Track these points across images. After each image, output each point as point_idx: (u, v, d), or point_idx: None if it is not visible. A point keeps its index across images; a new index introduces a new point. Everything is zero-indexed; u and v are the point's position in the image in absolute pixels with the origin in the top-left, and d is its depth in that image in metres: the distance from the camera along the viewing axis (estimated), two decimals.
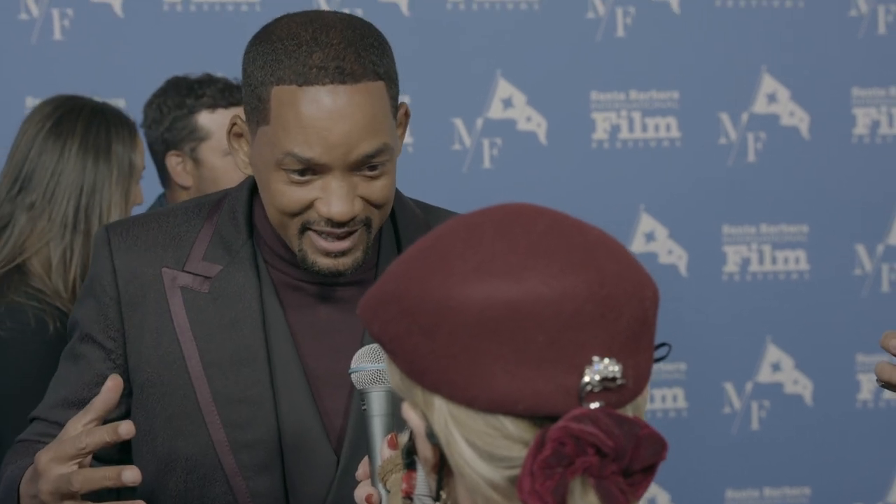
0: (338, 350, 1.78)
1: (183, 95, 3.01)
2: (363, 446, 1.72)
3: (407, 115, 1.78)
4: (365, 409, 1.48)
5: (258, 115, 1.69)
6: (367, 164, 1.68)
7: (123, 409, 1.83)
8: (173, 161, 3.01)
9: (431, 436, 1.06)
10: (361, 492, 1.41)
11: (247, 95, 1.71)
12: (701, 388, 3.82)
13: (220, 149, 2.97)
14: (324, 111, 1.64)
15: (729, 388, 3.85)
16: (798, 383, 3.86)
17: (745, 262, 3.85)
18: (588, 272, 1.03)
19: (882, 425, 3.85)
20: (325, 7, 3.60)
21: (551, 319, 1.01)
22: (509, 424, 1.02)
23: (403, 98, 3.71)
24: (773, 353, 3.85)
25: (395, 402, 1.48)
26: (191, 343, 1.77)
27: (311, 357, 1.79)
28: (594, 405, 1.01)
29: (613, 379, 1.02)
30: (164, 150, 3.03)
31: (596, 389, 1.01)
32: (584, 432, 0.98)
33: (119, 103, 3.18)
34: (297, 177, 1.67)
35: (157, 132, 3.03)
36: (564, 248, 1.04)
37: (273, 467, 1.76)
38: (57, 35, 3.50)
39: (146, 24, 3.54)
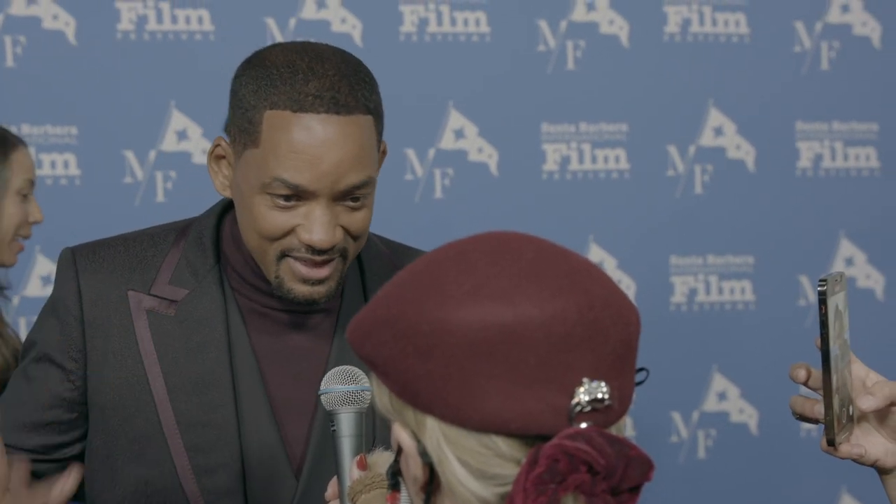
0: (302, 377, 1.79)
1: None
2: (321, 473, 1.74)
3: (384, 152, 1.80)
4: (334, 430, 1.50)
5: (247, 137, 1.70)
6: (351, 195, 1.70)
7: (78, 434, 1.83)
8: None
9: (424, 455, 1.08)
10: None
11: (236, 118, 1.72)
12: (648, 416, 3.85)
13: None
14: (316, 139, 1.66)
15: (676, 416, 3.88)
16: (744, 412, 3.90)
17: (692, 293, 3.89)
18: (577, 296, 1.05)
19: (826, 455, 3.89)
20: (278, 38, 3.62)
21: (542, 341, 1.03)
22: (501, 443, 1.05)
23: None
24: (719, 382, 3.90)
25: (363, 424, 1.51)
26: (155, 366, 1.77)
27: (275, 383, 1.79)
28: (583, 425, 1.04)
29: (602, 400, 1.04)
30: None
31: (585, 410, 1.04)
32: (578, 450, 1.01)
33: (71, 131, 3.18)
34: (282, 202, 1.69)
35: None
36: (553, 274, 1.07)
37: (235, 492, 1.77)
38: (9, 62, 3.49)
39: (99, 52, 3.53)
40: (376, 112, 1.72)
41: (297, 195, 1.68)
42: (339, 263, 1.74)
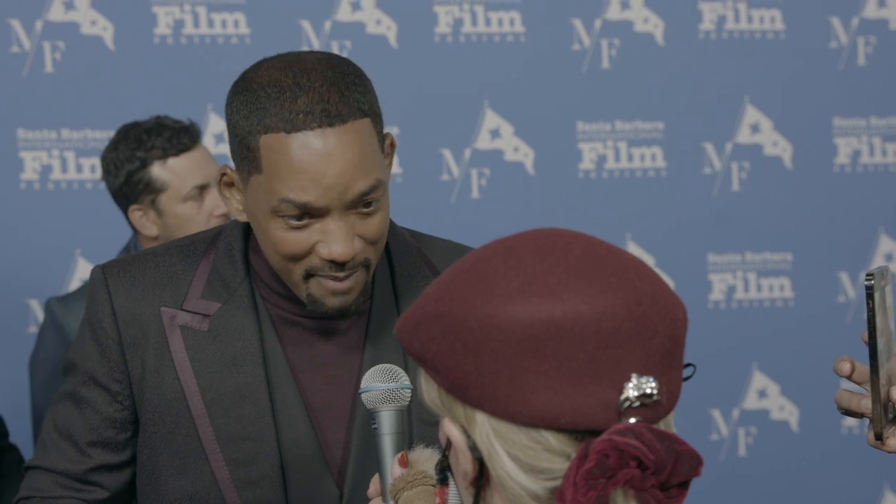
0: (336, 382, 1.79)
1: (133, 149, 2.98)
2: (365, 478, 1.74)
3: (393, 145, 1.78)
4: (375, 428, 1.51)
5: (249, 164, 1.69)
6: (362, 202, 1.69)
7: (131, 453, 1.84)
8: (136, 215, 3.00)
9: (474, 449, 1.09)
10: None
11: (234, 145, 1.71)
12: (688, 415, 3.85)
13: (178, 196, 2.96)
14: (315, 155, 1.64)
15: (716, 414, 3.88)
16: (784, 409, 3.89)
17: (731, 290, 3.88)
18: (625, 292, 1.06)
19: (867, 452, 3.87)
20: (314, 40, 3.63)
21: (591, 337, 1.04)
22: (551, 438, 1.06)
23: (392, 129, 3.73)
24: (759, 379, 3.89)
25: (403, 421, 1.52)
26: (192, 381, 1.77)
27: (311, 391, 1.80)
28: (632, 420, 1.05)
29: (650, 395, 1.05)
30: (126, 203, 3.02)
31: (634, 405, 1.05)
32: (628, 445, 1.01)
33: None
34: (294, 222, 1.68)
35: (115, 186, 3.02)
36: (601, 270, 1.07)
37: (277, 502, 1.77)
38: (48, 68, 3.52)
39: (137, 57, 3.56)
40: (372, 112, 1.70)
41: (308, 213, 1.67)
42: (361, 274, 1.73)
